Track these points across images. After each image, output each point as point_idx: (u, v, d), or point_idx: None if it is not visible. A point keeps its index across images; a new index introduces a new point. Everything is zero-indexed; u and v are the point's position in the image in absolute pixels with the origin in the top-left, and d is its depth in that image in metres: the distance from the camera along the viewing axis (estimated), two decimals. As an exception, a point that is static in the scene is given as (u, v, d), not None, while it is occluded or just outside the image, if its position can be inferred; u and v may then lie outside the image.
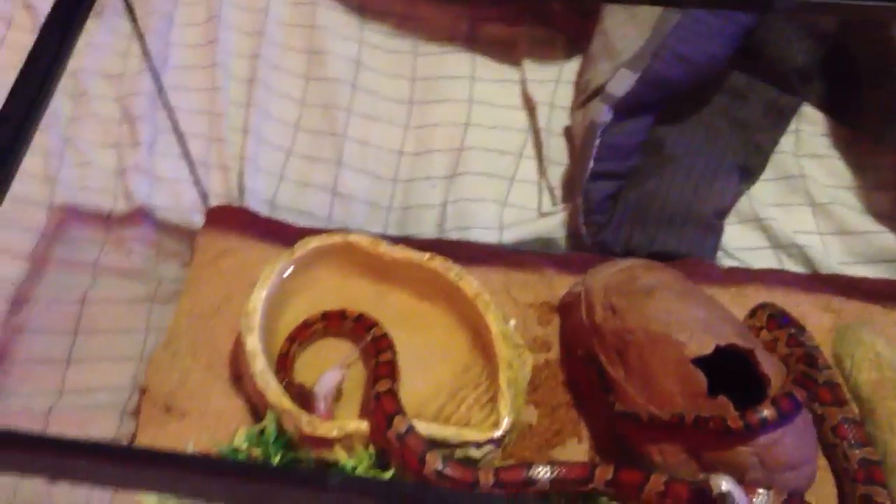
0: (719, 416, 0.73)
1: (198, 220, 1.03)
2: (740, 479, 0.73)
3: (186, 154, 1.00)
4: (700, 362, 0.75)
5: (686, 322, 0.77)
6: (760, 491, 0.74)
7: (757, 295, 0.90)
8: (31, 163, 1.01)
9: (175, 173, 1.06)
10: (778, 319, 0.84)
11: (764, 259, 0.96)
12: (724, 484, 0.71)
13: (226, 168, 1.06)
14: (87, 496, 0.84)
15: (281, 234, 0.99)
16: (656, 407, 0.76)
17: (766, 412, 0.73)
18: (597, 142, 0.93)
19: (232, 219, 1.01)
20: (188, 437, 0.85)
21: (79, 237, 1.02)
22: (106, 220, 1.02)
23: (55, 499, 0.82)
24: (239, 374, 0.89)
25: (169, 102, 1.05)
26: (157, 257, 1.01)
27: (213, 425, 0.87)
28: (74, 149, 1.07)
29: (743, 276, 0.93)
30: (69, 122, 1.09)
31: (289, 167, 1.06)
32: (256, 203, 1.04)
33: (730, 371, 0.76)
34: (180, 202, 1.04)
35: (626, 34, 0.97)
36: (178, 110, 1.07)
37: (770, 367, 0.76)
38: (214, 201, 1.04)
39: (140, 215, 1.02)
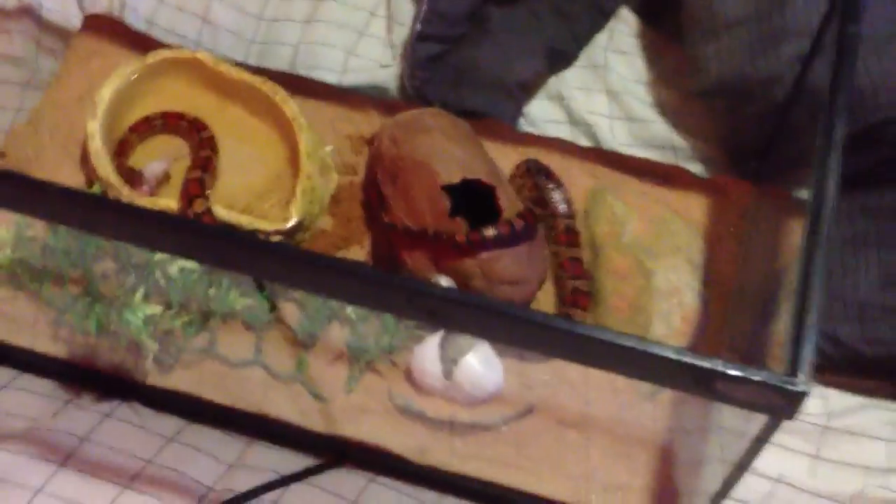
0: (451, 232, 0.90)
1: (77, 24, 1.16)
2: (466, 285, 0.91)
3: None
4: (453, 192, 0.92)
5: (445, 157, 0.93)
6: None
7: (538, 155, 1.06)
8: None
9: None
10: (533, 171, 1.00)
11: (561, 131, 1.11)
12: (444, 281, 0.88)
13: (110, -16, 1.18)
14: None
15: (151, 47, 1.12)
16: (412, 222, 0.93)
17: (487, 232, 0.89)
18: (424, 6, 1.07)
19: (107, 27, 1.14)
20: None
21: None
22: (-6, 12, 1.14)
23: None
24: (87, 157, 1.04)
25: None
26: (37, 50, 1.14)
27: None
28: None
29: (531, 140, 1.08)
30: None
31: (167, -7, 1.18)
32: (135, 20, 1.16)
33: (479, 204, 0.93)
34: (65, 6, 1.16)
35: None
36: None
37: (506, 202, 0.93)
38: (90, 5, 1.16)
39: (25, 10, 1.14)
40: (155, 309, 0.88)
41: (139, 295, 0.88)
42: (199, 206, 0.93)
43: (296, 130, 1.01)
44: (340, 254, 1.01)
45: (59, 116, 1.08)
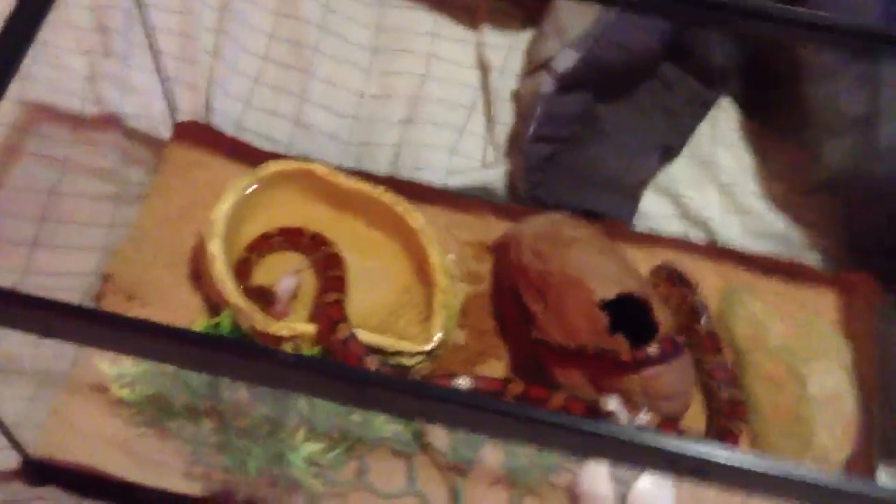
0: (614, 350, 0.87)
1: (164, 132, 1.11)
2: (626, 403, 0.87)
3: (159, 68, 1.06)
4: (606, 306, 0.89)
5: (597, 271, 0.90)
6: (641, 414, 0.88)
7: (664, 256, 1.04)
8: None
9: (145, 86, 1.12)
10: (673, 278, 0.98)
11: (673, 226, 1.09)
12: (612, 403, 0.85)
13: (195, 88, 1.13)
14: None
15: (246, 154, 1.08)
16: (565, 338, 0.89)
17: (651, 350, 0.87)
18: (539, 109, 1.05)
19: (200, 134, 1.09)
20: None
21: (49, 134, 1.08)
22: (76, 122, 1.08)
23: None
24: (198, 274, 0.98)
25: (147, 18, 1.11)
26: (124, 161, 1.08)
27: (172, 316, 0.96)
28: (48, 52, 1.12)
29: (652, 241, 1.06)
30: (44, 26, 1.14)
31: (256, 94, 1.14)
32: (222, 124, 1.12)
33: (630, 316, 0.90)
34: (149, 113, 1.11)
35: (574, 18, 1.08)
36: (152, 28, 1.14)
37: (661, 315, 0.90)
38: (182, 118, 1.11)
39: (110, 121, 1.09)
40: (315, 446, 0.82)
41: (301, 434, 0.82)
42: (343, 332, 0.88)
43: (423, 243, 0.97)
44: (478, 369, 0.97)
45: (161, 233, 1.02)
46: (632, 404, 0.87)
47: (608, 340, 0.87)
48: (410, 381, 0.78)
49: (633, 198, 1.09)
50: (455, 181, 1.10)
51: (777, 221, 1.10)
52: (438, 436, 0.90)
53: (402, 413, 0.76)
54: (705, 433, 0.93)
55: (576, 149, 1.09)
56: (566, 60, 1.04)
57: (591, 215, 1.04)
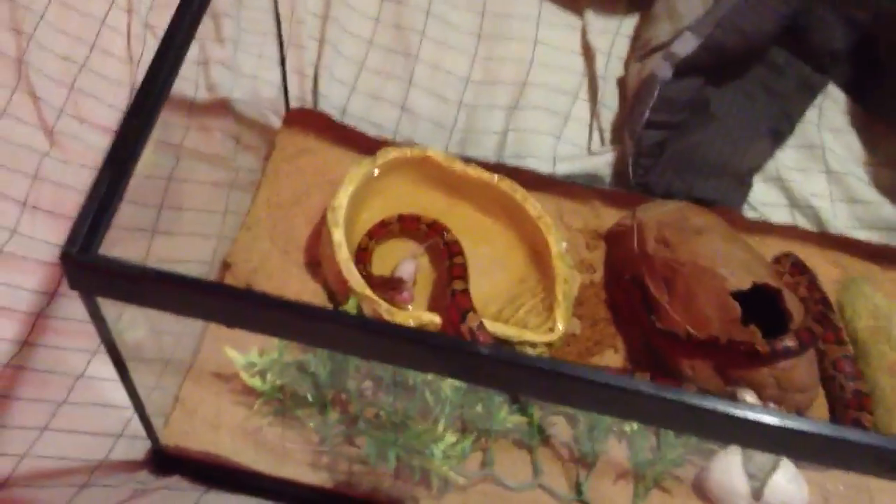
0: (750, 341, 0.86)
1: (273, 118, 1.11)
2: (758, 396, 0.87)
3: (282, 56, 1.06)
4: (735, 296, 0.88)
5: (730, 260, 0.89)
6: (772, 406, 0.87)
7: (776, 245, 1.03)
8: (116, 46, 1.07)
9: (255, 72, 1.12)
10: (799, 267, 0.97)
11: (781, 215, 1.08)
12: (749, 396, 0.84)
13: (302, 74, 1.13)
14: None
15: (356, 141, 1.08)
16: (694, 328, 0.89)
17: (790, 342, 0.86)
18: (655, 94, 1.04)
19: (310, 122, 1.09)
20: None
21: (164, 120, 1.08)
22: (189, 107, 1.09)
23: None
24: (315, 261, 0.99)
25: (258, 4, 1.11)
26: (236, 147, 1.08)
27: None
28: (156, 37, 1.12)
29: (765, 228, 1.05)
30: (150, 11, 1.15)
31: (361, 79, 1.14)
32: (328, 109, 1.12)
33: (757, 306, 0.89)
34: (259, 99, 1.11)
35: (688, 1, 1.07)
36: (260, 11, 1.13)
37: (793, 305, 0.89)
38: (292, 103, 1.11)
39: (222, 106, 1.09)
40: (452, 438, 0.83)
41: (441, 426, 0.82)
42: (473, 321, 0.88)
43: (543, 230, 0.97)
44: (595, 360, 0.96)
45: (275, 220, 1.03)
46: (763, 398, 0.87)
47: (742, 331, 0.86)
48: (555, 361, 0.77)
49: (744, 184, 1.08)
50: (562, 168, 1.09)
51: (888, 209, 1.08)
52: (561, 428, 0.90)
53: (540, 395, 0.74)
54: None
55: (686, 134, 1.08)
56: (686, 45, 1.02)
57: (700, 203, 1.03)
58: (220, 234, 1.03)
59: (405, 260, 0.96)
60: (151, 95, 0.69)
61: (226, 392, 0.90)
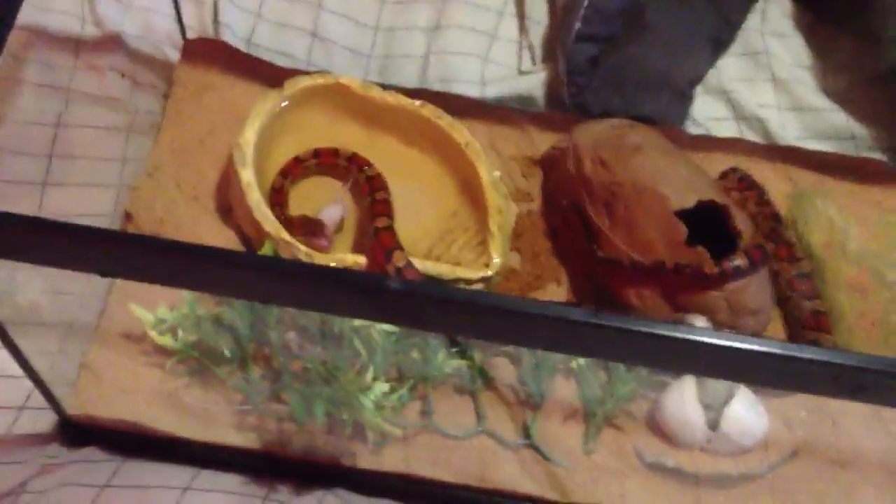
0: (697, 263, 0.80)
1: (171, 52, 1.01)
2: (710, 321, 0.81)
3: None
4: (680, 215, 0.81)
5: (671, 178, 0.83)
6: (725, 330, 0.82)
7: (723, 161, 0.97)
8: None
9: (146, 2, 1.02)
10: (747, 181, 0.91)
11: (726, 129, 1.02)
12: (699, 322, 0.79)
13: (199, 2, 1.03)
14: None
15: (263, 72, 0.99)
16: (638, 254, 0.82)
17: (739, 261, 0.80)
18: (585, 3, 0.96)
19: (212, 53, 0.99)
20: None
21: (47, 61, 0.97)
22: (76, 45, 0.98)
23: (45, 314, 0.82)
24: (227, 206, 0.90)
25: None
26: (132, 87, 0.98)
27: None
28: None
29: (709, 144, 0.99)
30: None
31: (266, 5, 1.04)
32: (232, 40, 1.02)
33: (703, 225, 0.83)
34: (153, 32, 1.01)
35: None
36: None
37: (741, 222, 0.83)
38: (189, 35, 1.01)
39: (111, 42, 0.98)
40: (384, 387, 0.75)
41: (370, 374, 0.75)
42: (399, 260, 0.80)
43: (471, 158, 0.89)
44: (535, 294, 0.90)
45: (180, 165, 0.93)
46: (715, 323, 0.81)
47: (688, 253, 0.80)
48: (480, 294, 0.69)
49: (685, 98, 1.01)
50: (490, 91, 1.02)
51: (838, 117, 1.03)
52: (504, 370, 0.84)
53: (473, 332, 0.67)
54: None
55: (621, 48, 1.00)
56: (614, -51, 0.94)
57: (640, 121, 0.96)
58: (120, 184, 0.93)
59: (331, 204, 0.87)
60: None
61: (137, 354, 0.82)
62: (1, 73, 0.92)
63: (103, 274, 0.57)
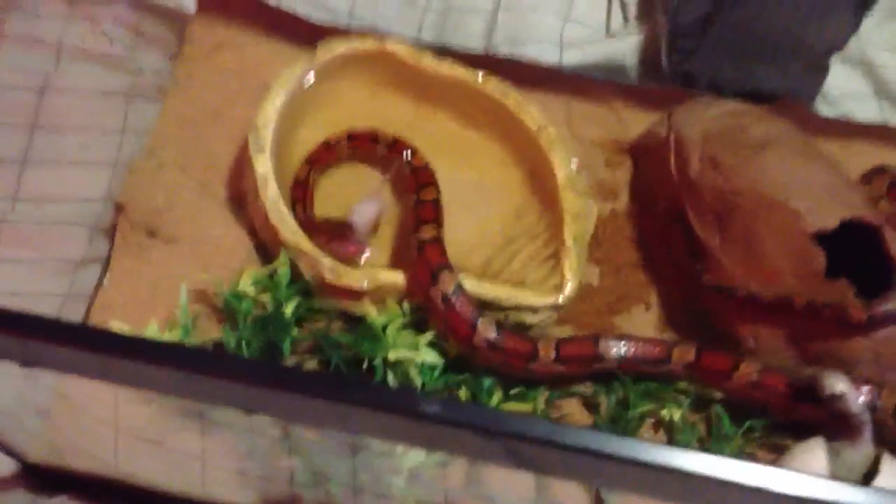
0: (838, 304, 0.61)
1: (187, 2, 0.84)
2: (847, 374, 0.62)
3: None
4: (821, 238, 0.62)
5: (807, 188, 0.64)
6: (865, 388, 0.63)
7: (864, 154, 0.79)
8: None
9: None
10: (899, 187, 0.71)
11: (868, 111, 0.83)
12: (840, 385, 0.60)
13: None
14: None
15: (294, 29, 0.83)
16: (758, 284, 0.64)
17: (892, 305, 0.60)
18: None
19: (233, 5, 0.83)
20: (177, 269, 0.71)
21: (36, 8, 0.81)
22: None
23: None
24: (241, 197, 0.74)
25: None
26: (136, 42, 0.82)
27: (208, 257, 0.73)
28: None
29: (847, 130, 0.81)
30: None
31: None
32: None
33: (848, 249, 0.63)
34: (166, -24, 0.84)
35: None
36: None
37: (898, 247, 0.63)
38: (208, -20, 0.84)
39: (115, -12, 0.82)
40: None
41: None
42: (447, 284, 0.63)
43: (544, 148, 0.72)
44: (619, 320, 0.72)
45: (188, 141, 0.78)
46: (854, 377, 0.62)
47: (828, 289, 0.61)
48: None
49: (820, 70, 0.82)
50: (571, 57, 0.84)
51: None
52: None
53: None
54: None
55: (740, 5, 0.80)
56: None
57: (760, 97, 0.78)
58: (116, 161, 0.77)
59: (365, 199, 0.70)
60: None
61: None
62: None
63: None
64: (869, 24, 0.86)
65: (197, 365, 0.37)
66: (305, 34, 0.81)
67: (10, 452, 0.64)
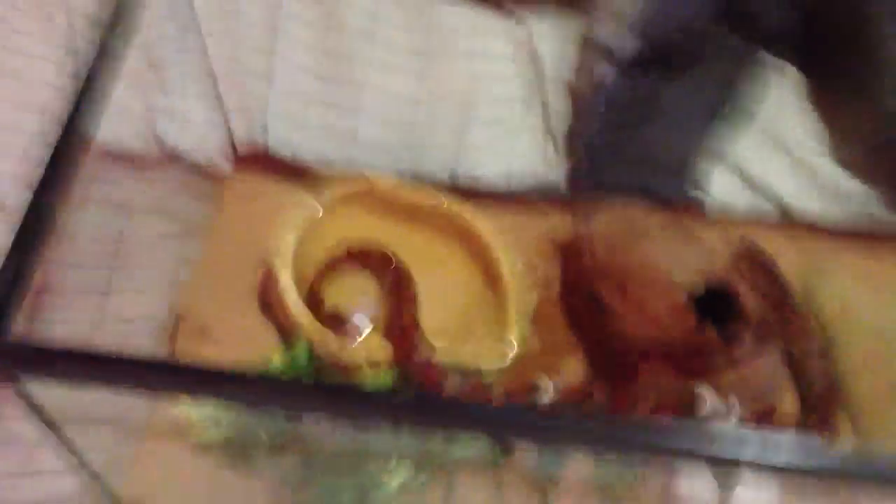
0: (708, 348, 0.84)
1: (221, 162, 1.10)
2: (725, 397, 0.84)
3: (218, 97, 1.05)
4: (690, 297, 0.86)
5: (680, 262, 0.87)
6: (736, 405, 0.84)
7: (738, 233, 1.00)
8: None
9: (198, 116, 1.12)
10: (759, 258, 0.94)
11: (742, 204, 1.05)
12: (708, 394, 0.82)
13: (247, 111, 1.12)
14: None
15: (306, 177, 1.07)
16: (651, 334, 0.87)
17: (748, 344, 0.83)
18: (603, 96, 1.02)
19: (259, 162, 1.08)
20: (224, 357, 0.94)
21: (113, 178, 1.07)
22: (137, 162, 1.08)
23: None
24: (268, 303, 0.98)
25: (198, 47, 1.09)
26: (187, 197, 1.08)
27: (246, 351, 0.95)
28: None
29: (724, 218, 1.03)
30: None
31: (309, 113, 1.12)
32: (278, 146, 1.10)
33: (715, 301, 0.87)
34: (205, 145, 1.10)
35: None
36: (199, 54, 1.12)
37: (749, 302, 0.86)
38: (239, 145, 1.10)
39: (168, 158, 1.08)
40: (406, 473, 0.81)
41: (393, 462, 0.81)
42: (423, 354, 0.87)
43: (493, 251, 0.96)
44: (554, 374, 0.94)
45: (228, 266, 1.02)
46: (728, 400, 0.84)
47: (698, 337, 0.84)
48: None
49: (699, 177, 1.05)
50: (517, 184, 1.07)
51: (854, 188, 1.05)
52: (525, 451, 0.88)
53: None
54: (800, 421, 0.90)
55: (637, 131, 1.05)
56: (624, 44, 1.00)
57: (657, 200, 1.01)
58: (174, 285, 1.02)
59: (359, 311, 0.94)
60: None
61: (185, 448, 0.89)
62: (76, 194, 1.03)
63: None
64: (738, 134, 1.10)
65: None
66: (314, 181, 1.06)
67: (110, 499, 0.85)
